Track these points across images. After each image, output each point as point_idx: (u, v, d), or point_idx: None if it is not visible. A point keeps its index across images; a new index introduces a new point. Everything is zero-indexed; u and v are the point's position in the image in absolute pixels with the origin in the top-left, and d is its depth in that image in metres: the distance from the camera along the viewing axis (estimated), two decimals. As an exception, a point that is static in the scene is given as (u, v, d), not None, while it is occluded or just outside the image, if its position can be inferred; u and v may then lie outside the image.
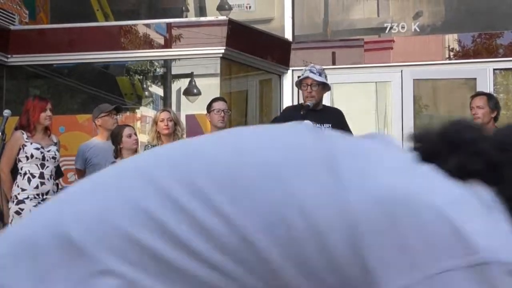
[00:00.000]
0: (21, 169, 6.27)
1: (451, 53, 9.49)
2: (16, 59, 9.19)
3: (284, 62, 9.68)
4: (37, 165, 6.27)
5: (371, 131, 1.37)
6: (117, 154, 6.64)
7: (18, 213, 6.18)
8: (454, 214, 1.10)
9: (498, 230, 1.12)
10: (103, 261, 1.12)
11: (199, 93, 9.25)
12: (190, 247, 1.11)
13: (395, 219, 1.10)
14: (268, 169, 1.16)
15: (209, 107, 6.80)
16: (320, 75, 6.12)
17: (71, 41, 9.18)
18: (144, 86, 9.80)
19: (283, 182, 1.14)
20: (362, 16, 10.13)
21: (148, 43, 9.13)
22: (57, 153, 6.42)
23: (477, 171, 1.17)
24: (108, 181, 1.23)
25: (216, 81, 8.91)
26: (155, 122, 7.11)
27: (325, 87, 6.21)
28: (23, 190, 6.22)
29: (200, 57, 9.00)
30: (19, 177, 6.26)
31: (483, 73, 9.16)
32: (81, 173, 7.13)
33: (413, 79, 9.34)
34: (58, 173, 6.55)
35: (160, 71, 9.75)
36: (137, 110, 9.65)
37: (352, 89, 8.98)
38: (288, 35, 9.84)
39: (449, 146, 1.20)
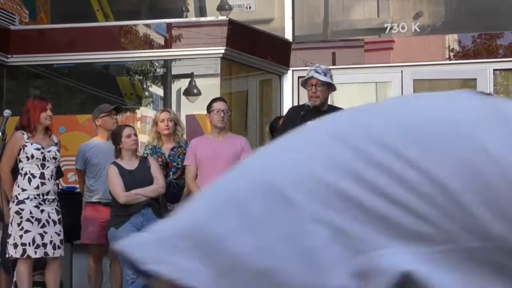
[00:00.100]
0: (22, 169, 6.27)
1: (451, 54, 9.49)
2: (16, 59, 9.18)
3: (284, 62, 9.68)
4: (37, 165, 6.27)
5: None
6: (118, 154, 6.65)
7: (18, 213, 6.18)
8: None
9: None
10: (313, 211, 1.19)
11: (199, 93, 9.25)
12: (391, 195, 1.19)
13: None
14: (450, 126, 1.25)
15: (209, 107, 6.81)
16: (325, 75, 6.10)
17: (71, 41, 9.17)
18: (144, 86, 9.80)
19: (466, 135, 1.23)
20: (362, 16, 10.13)
21: (148, 43, 9.13)
22: (57, 153, 6.42)
23: None
24: (302, 140, 1.31)
25: (216, 81, 8.90)
26: (155, 122, 7.11)
27: (330, 87, 6.17)
28: (23, 190, 6.22)
29: (200, 57, 9.00)
30: (19, 177, 6.26)
31: (483, 73, 9.16)
32: (81, 173, 7.14)
33: (413, 79, 9.34)
34: (58, 173, 6.56)
35: (160, 71, 9.75)
36: (137, 110, 9.65)
37: (352, 89, 8.97)
38: (288, 35, 9.84)
39: None
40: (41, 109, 6.36)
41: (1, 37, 9.04)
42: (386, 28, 9.70)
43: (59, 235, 6.29)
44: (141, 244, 1.26)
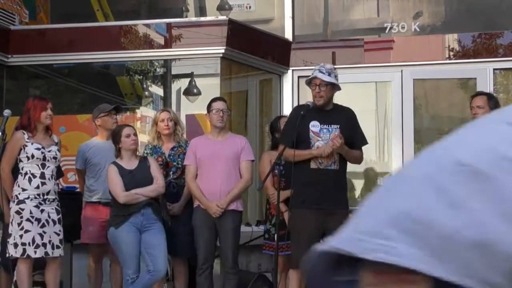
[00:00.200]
0: (22, 169, 6.27)
1: (451, 53, 9.48)
2: (16, 59, 9.18)
3: (284, 62, 9.68)
4: (38, 165, 6.27)
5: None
6: (118, 153, 6.65)
7: (18, 212, 6.18)
8: None
9: None
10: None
11: (199, 93, 9.25)
12: None
13: None
14: None
15: (208, 107, 6.81)
16: (329, 75, 6.08)
17: (71, 41, 9.17)
18: (144, 86, 9.80)
19: None
20: (362, 16, 10.13)
21: (148, 43, 9.13)
22: (58, 153, 6.42)
23: None
24: (480, 126, 1.43)
25: (216, 81, 8.90)
26: (155, 122, 7.11)
27: (334, 87, 6.15)
28: (24, 190, 6.22)
29: (200, 57, 9.00)
30: (20, 177, 6.26)
31: (483, 73, 9.16)
32: (81, 173, 7.14)
33: (413, 79, 9.33)
34: (58, 173, 6.56)
35: (160, 71, 9.75)
36: (137, 110, 9.65)
37: (352, 89, 8.97)
38: (288, 35, 9.83)
39: None
40: (42, 108, 6.36)
41: (1, 37, 9.04)
42: (386, 28, 9.70)
43: (58, 235, 6.29)
44: (350, 239, 1.34)
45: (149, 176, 6.55)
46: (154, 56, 9.35)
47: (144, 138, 8.43)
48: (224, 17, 9.03)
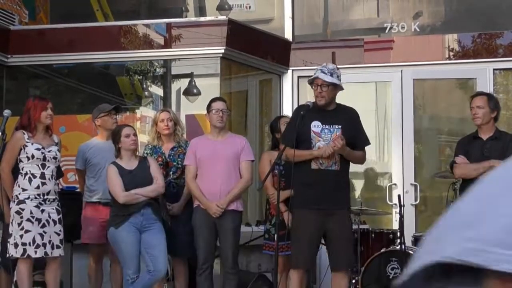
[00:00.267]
0: (22, 169, 6.27)
1: (451, 53, 9.49)
2: (16, 59, 9.19)
3: (284, 62, 9.68)
4: (38, 165, 6.27)
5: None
6: (118, 153, 6.65)
7: (18, 213, 6.19)
8: None
9: None
10: None
11: (199, 93, 9.25)
12: None
13: None
14: None
15: (208, 107, 6.81)
16: (331, 75, 6.06)
17: (71, 41, 9.17)
18: (144, 86, 9.80)
19: None
20: (362, 16, 10.13)
21: (148, 43, 9.13)
22: (58, 153, 6.42)
23: None
24: None
25: (216, 81, 8.91)
26: (155, 122, 7.11)
27: (336, 87, 6.13)
28: (24, 190, 6.22)
29: (200, 57, 9.00)
30: (20, 177, 6.26)
31: (483, 73, 9.16)
32: (81, 173, 7.14)
33: (413, 79, 9.34)
34: (58, 173, 6.55)
35: (160, 71, 9.75)
36: (137, 110, 9.65)
37: (352, 89, 8.98)
38: (288, 35, 9.84)
39: None
40: (42, 108, 6.36)
41: (1, 37, 9.04)
42: (386, 28, 9.70)
43: (59, 234, 6.29)
44: (471, 249, 1.33)
45: (149, 176, 6.55)
46: (154, 56, 9.35)
47: (144, 138, 8.43)
48: (224, 17, 9.03)
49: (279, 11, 10.11)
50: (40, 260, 6.45)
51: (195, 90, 9.29)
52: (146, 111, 9.57)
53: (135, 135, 6.68)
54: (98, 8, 10.32)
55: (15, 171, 6.32)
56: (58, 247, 6.28)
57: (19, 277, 6.28)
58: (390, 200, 9.16)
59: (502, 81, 9.45)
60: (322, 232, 6.04)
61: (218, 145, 6.71)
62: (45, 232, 6.21)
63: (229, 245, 6.58)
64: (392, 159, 9.42)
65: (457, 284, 1.37)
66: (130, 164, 6.59)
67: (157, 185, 6.54)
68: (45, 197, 6.25)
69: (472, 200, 1.38)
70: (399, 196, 7.67)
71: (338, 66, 6.33)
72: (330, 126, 6.06)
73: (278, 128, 7.07)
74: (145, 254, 6.43)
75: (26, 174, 6.25)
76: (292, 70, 9.70)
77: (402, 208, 7.46)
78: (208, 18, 9.29)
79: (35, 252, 6.18)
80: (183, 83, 9.38)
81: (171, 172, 6.96)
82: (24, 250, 6.15)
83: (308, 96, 9.12)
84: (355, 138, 6.12)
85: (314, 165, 6.02)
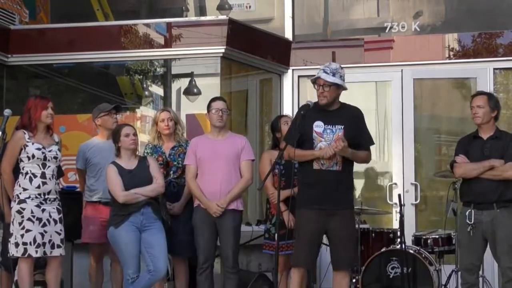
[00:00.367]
0: (23, 168, 6.27)
1: (451, 53, 9.49)
2: (16, 59, 9.19)
3: (284, 61, 9.69)
4: (38, 165, 6.27)
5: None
6: (118, 153, 6.65)
7: (19, 212, 6.19)
8: None
9: None
10: None
11: (199, 93, 9.26)
12: None
13: None
14: None
15: (208, 107, 6.81)
16: (334, 75, 6.02)
17: (71, 41, 9.18)
18: (144, 85, 9.80)
19: None
20: (362, 15, 10.13)
21: (148, 43, 9.14)
22: (58, 152, 6.42)
23: None
24: None
25: (216, 80, 8.91)
26: (155, 122, 7.11)
27: (339, 87, 6.10)
28: (24, 189, 6.22)
29: (200, 57, 9.00)
30: (20, 177, 6.26)
31: (483, 72, 9.17)
32: (82, 173, 7.15)
33: (413, 79, 9.34)
34: (59, 172, 6.55)
35: (160, 70, 9.76)
36: (137, 110, 9.66)
37: (352, 89, 8.98)
38: (288, 35, 9.85)
39: None
40: (42, 107, 6.36)
41: (1, 37, 9.04)
42: (386, 28, 9.71)
43: (59, 234, 6.29)
44: None
45: (149, 176, 6.55)
46: (154, 56, 9.35)
47: (144, 137, 8.43)
48: (224, 17, 9.03)
49: (279, 10, 10.11)
50: (41, 259, 6.45)
51: (195, 90, 9.29)
52: (146, 111, 9.58)
53: (135, 134, 6.68)
54: (99, 7, 10.33)
55: (16, 171, 6.32)
56: (58, 246, 6.28)
57: (20, 276, 6.28)
58: (391, 199, 9.16)
59: (502, 81, 9.46)
60: (323, 232, 6.04)
61: (218, 144, 6.71)
62: (45, 232, 6.21)
63: (230, 244, 6.59)
64: (392, 159, 9.43)
65: None
66: (129, 163, 6.59)
67: (157, 185, 6.54)
68: (46, 196, 6.26)
69: None
70: (399, 195, 7.67)
71: (338, 66, 6.30)
72: (332, 126, 6.03)
73: (279, 127, 7.07)
74: (145, 254, 6.44)
75: (26, 173, 6.25)
76: (292, 69, 9.71)
77: (403, 207, 7.47)
78: (208, 18, 9.29)
79: (36, 251, 6.18)
80: (184, 83, 9.38)
81: (171, 172, 6.96)
82: (25, 250, 6.16)
83: (308, 95, 9.14)
84: (359, 138, 6.08)
85: (315, 165, 6.01)
